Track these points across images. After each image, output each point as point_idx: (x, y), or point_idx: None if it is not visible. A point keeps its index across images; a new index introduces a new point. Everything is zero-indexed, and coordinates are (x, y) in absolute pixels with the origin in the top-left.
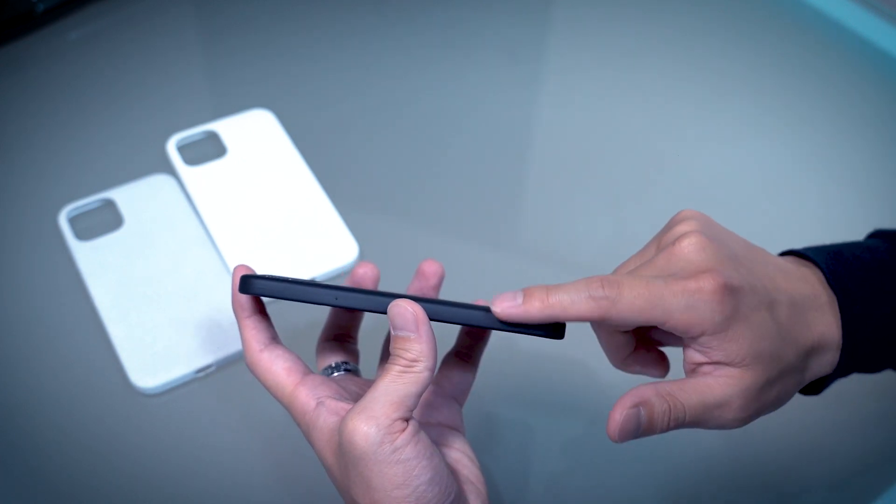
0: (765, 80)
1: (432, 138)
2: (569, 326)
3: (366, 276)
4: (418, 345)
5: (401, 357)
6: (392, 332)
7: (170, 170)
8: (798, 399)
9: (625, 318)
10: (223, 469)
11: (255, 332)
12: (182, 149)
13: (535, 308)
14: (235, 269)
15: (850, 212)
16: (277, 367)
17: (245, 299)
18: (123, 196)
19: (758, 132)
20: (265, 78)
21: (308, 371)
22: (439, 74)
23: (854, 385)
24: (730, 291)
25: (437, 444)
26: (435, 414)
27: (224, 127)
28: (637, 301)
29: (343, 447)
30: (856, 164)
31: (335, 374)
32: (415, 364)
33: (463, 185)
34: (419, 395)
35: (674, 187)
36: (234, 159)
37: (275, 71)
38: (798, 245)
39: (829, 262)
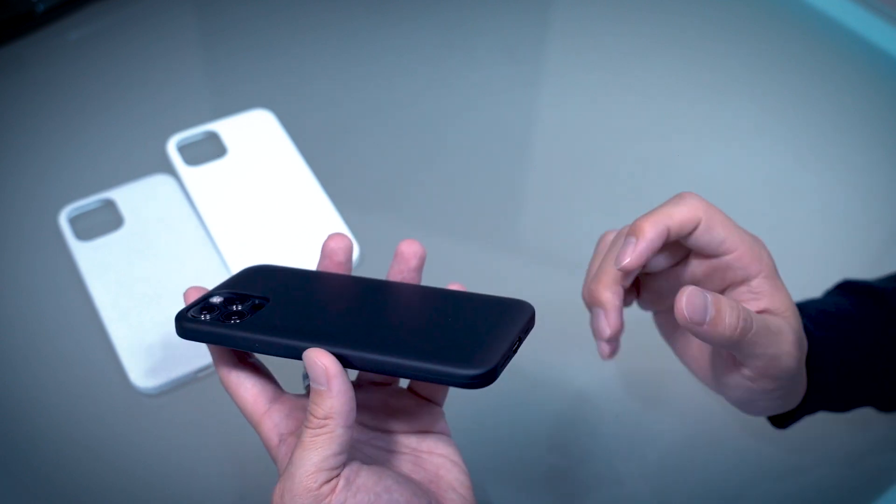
0: (765, 80)
1: (432, 138)
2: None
3: (337, 249)
4: (329, 400)
5: (312, 416)
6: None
7: (170, 170)
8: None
9: (713, 239)
10: (223, 469)
11: (221, 352)
12: (182, 149)
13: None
14: (187, 292)
15: (849, 212)
16: (245, 392)
17: None
18: (123, 196)
19: (758, 132)
20: (265, 78)
21: (276, 396)
22: (439, 74)
23: None
24: (768, 251)
25: (416, 452)
26: (414, 422)
27: (224, 127)
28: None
29: None
30: (856, 164)
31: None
32: (326, 423)
33: (463, 185)
34: (341, 452)
35: (673, 187)
36: (234, 159)
37: (275, 71)
38: (798, 246)
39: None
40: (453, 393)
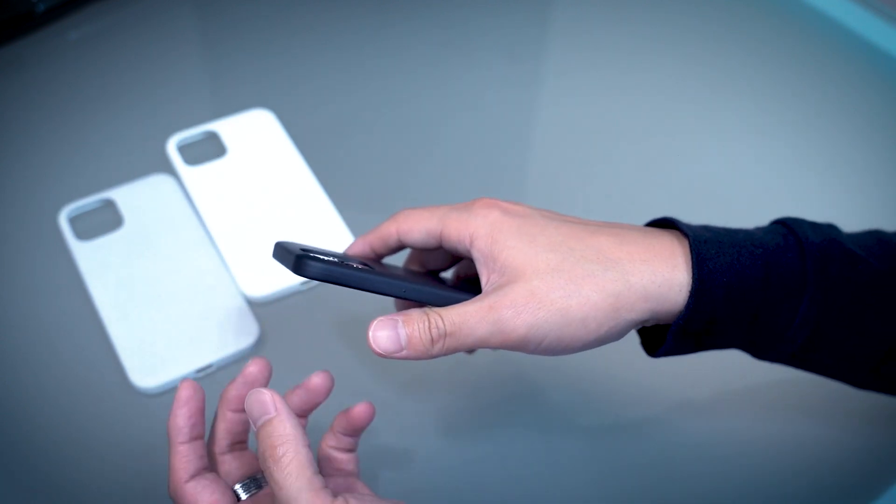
0: (765, 80)
1: (432, 138)
2: None
3: (259, 375)
4: (279, 425)
5: (270, 451)
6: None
7: (170, 170)
8: (797, 401)
9: (412, 241)
10: None
11: (185, 461)
12: (182, 149)
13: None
14: (181, 385)
15: (849, 212)
16: (203, 500)
17: (183, 422)
18: (123, 196)
19: (758, 132)
20: (265, 78)
21: None
22: (439, 74)
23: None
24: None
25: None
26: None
27: (224, 127)
28: None
29: None
30: (856, 163)
31: (247, 494)
32: (285, 448)
33: (463, 185)
34: (317, 471)
35: (673, 187)
36: (234, 159)
37: (275, 71)
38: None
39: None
40: (452, 392)
